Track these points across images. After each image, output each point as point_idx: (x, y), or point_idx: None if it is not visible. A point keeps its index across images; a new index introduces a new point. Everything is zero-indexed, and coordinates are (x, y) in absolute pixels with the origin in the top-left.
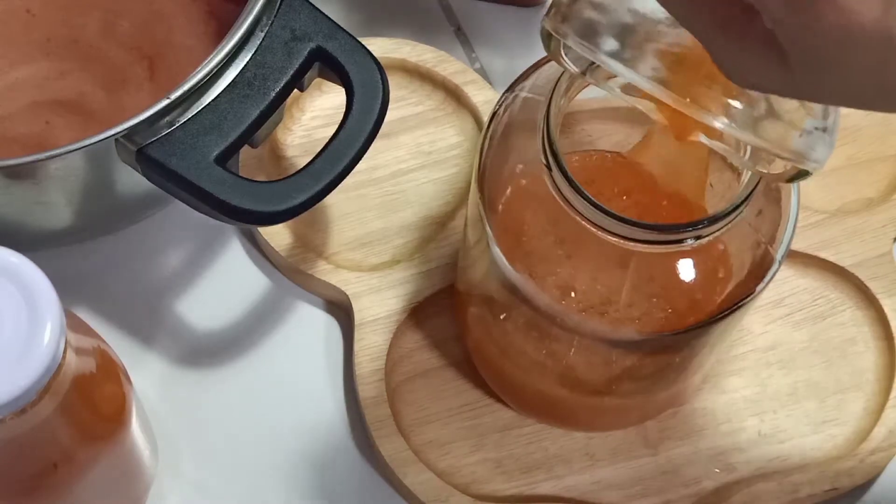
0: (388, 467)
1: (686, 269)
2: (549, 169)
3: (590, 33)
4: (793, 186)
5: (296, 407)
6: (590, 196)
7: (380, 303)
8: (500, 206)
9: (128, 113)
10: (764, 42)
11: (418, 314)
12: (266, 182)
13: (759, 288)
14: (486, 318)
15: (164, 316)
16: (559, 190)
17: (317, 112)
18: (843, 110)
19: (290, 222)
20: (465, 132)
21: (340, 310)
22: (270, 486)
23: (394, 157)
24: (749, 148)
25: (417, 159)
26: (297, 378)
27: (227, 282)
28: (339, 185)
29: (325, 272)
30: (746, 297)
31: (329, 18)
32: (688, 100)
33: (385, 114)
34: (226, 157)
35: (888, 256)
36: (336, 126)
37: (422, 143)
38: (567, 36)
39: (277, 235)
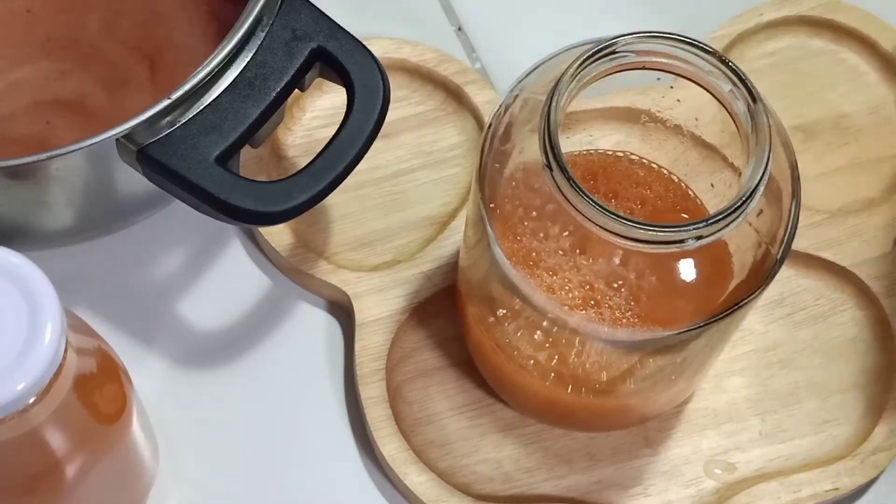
0: (388, 467)
1: (687, 269)
2: (550, 169)
3: None
4: (794, 186)
5: (296, 407)
6: (591, 196)
7: (381, 303)
8: (501, 206)
9: (128, 113)
10: None
11: (419, 314)
12: (267, 182)
13: (760, 288)
14: (486, 317)
15: (165, 316)
16: (560, 190)
17: (317, 112)
18: (846, 110)
19: (290, 222)
20: (466, 132)
21: (341, 310)
22: (271, 486)
23: (395, 157)
24: None
25: (418, 159)
26: (297, 378)
27: (228, 282)
28: (340, 185)
29: (326, 272)
30: (747, 297)
31: (330, 18)
32: None
33: (386, 114)
34: (226, 157)
35: (889, 256)
36: (337, 126)
37: (423, 143)
38: None
39: (278, 235)
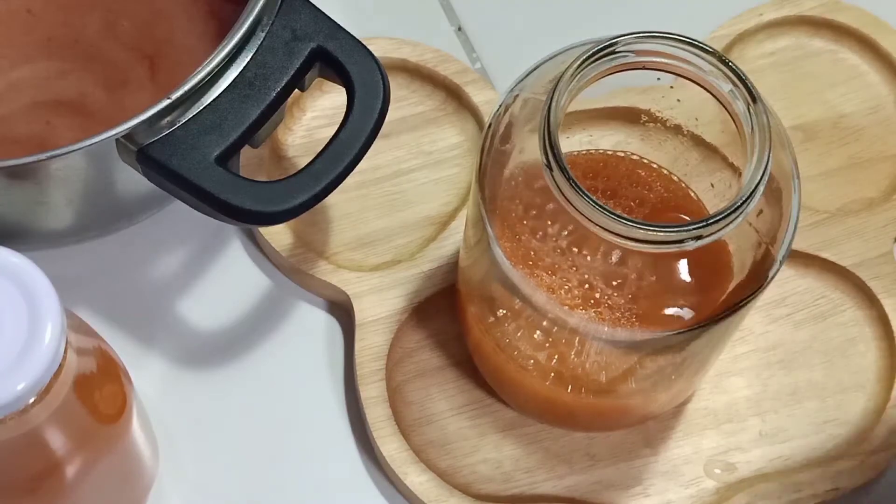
0: (388, 467)
1: (687, 269)
2: (550, 168)
3: None
4: (794, 186)
5: (296, 407)
6: (590, 196)
7: (381, 303)
8: (501, 206)
9: (128, 113)
10: None
11: (419, 314)
12: (267, 182)
13: (760, 288)
14: (486, 317)
15: (165, 316)
16: (560, 189)
17: (317, 112)
18: (846, 110)
19: (290, 222)
20: (466, 132)
21: (341, 310)
22: (271, 486)
23: (394, 157)
24: None
25: (418, 159)
26: (297, 378)
27: (228, 282)
28: (340, 185)
29: (326, 272)
30: (747, 298)
31: (330, 18)
32: None
33: (386, 114)
34: (226, 157)
35: (889, 256)
36: (337, 126)
37: (422, 143)
38: None
39: (278, 235)
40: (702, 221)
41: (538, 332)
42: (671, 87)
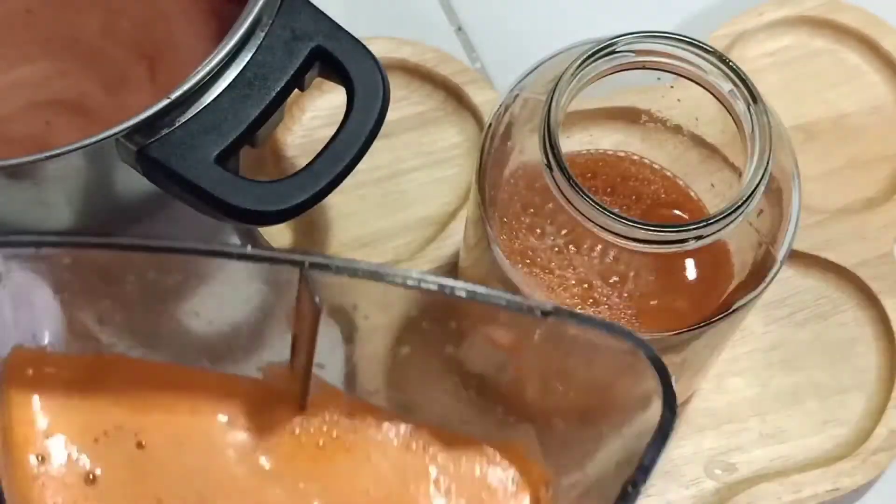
0: None
1: (687, 270)
2: (550, 168)
3: None
4: (794, 186)
5: None
6: (591, 196)
7: None
8: (501, 206)
9: (128, 113)
10: None
11: None
12: (266, 182)
13: (760, 288)
14: None
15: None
16: (560, 189)
17: (317, 112)
18: (847, 110)
19: (290, 222)
20: (466, 132)
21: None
22: None
23: (394, 156)
24: None
25: (418, 159)
26: None
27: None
28: (340, 185)
29: None
30: (748, 298)
31: (330, 18)
32: None
33: (385, 114)
34: (226, 157)
35: (890, 256)
36: (336, 126)
37: (422, 143)
38: None
39: (278, 235)
40: (702, 221)
41: None
42: (671, 86)
